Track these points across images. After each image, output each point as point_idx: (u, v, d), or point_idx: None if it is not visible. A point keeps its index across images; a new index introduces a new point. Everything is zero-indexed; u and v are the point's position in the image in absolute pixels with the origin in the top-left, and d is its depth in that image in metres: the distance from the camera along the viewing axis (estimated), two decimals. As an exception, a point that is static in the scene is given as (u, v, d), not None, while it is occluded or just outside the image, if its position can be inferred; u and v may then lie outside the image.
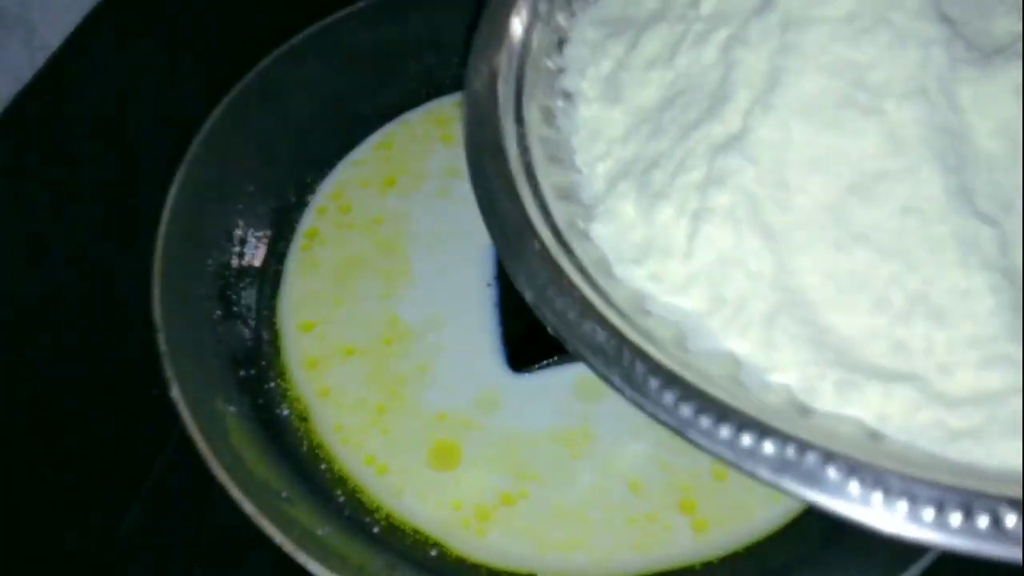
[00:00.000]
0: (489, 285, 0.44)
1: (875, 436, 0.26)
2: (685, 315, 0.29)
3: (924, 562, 0.31)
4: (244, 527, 0.32)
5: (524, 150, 0.33)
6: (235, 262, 0.44)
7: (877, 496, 0.23)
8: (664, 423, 0.26)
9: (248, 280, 0.44)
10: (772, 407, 0.26)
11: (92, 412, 0.42)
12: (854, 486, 0.24)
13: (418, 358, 0.42)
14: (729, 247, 0.29)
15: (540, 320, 0.29)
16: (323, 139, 0.49)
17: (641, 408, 0.26)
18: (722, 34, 0.32)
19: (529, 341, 0.42)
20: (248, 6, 0.59)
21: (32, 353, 0.44)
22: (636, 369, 0.26)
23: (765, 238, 0.29)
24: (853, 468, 0.24)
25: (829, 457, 0.24)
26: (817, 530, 0.37)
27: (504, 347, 0.42)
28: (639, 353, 0.26)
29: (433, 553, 0.37)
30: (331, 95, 0.49)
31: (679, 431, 0.26)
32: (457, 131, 0.49)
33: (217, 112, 0.43)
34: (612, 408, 0.40)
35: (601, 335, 0.27)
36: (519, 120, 0.34)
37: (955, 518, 0.23)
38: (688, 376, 0.26)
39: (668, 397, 0.26)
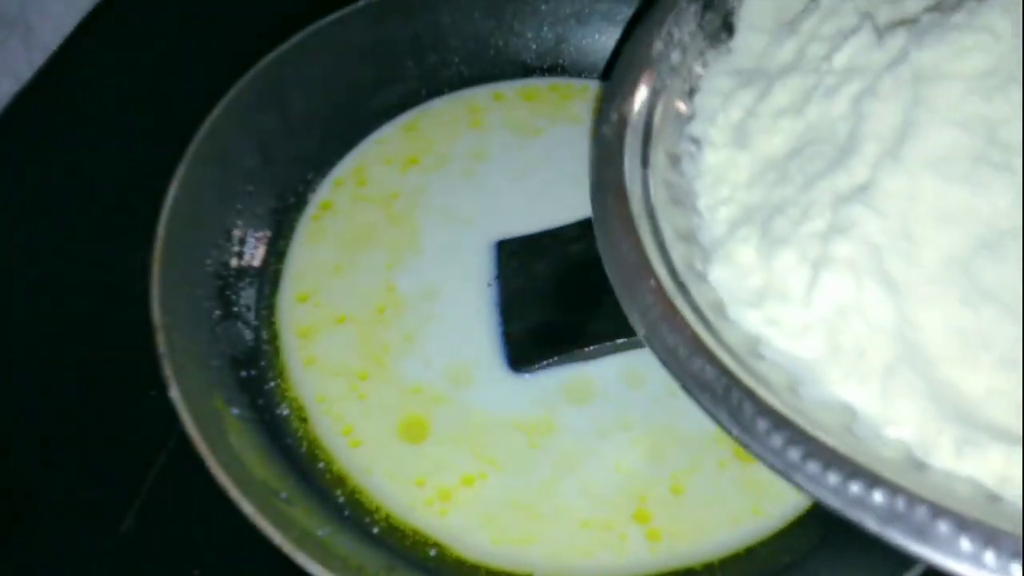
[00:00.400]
0: (489, 285, 0.44)
1: (993, 498, 0.25)
2: (800, 361, 0.29)
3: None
4: (243, 528, 0.32)
5: (647, 192, 0.34)
6: (234, 262, 0.44)
7: (990, 555, 0.23)
8: (771, 465, 0.26)
9: (248, 280, 0.44)
10: (885, 458, 0.26)
11: (91, 412, 0.42)
12: (965, 542, 0.23)
13: (406, 327, 0.43)
14: (850, 296, 0.29)
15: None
16: (323, 139, 0.49)
17: (748, 448, 0.26)
18: (854, 87, 0.32)
19: (529, 341, 0.42)
20: (248, 5, 0.59)
21: (31, 353, 0.44)
22: (745, 409, 0.26)
23: (888, 289, 0.29)
24: (964, 524, 0.23)
25: (939, 511, 0.24)
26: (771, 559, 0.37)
27: (504, 347, 0.42)
28: (748, 393, 0.27)
29: (432, 553, 0.37)
30: (331, 95, 0.49)
31: (785, 475, 0.25)
32: (490, 119, 0.51)
33: (216, 112, 0.43)
34: (585, 410, 0.40)
35: (710, 373, 0.27)
36: (645, 163, 0.35)
37: None
38: (798, 419, 0.26)
39: (776, 440, 0.26)
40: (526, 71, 0.53)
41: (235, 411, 0.38)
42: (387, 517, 0.37)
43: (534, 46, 0.53)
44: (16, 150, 0.52)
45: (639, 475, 0.38)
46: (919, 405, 0.27)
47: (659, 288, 0.30)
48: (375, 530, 0.37)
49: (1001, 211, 0.28)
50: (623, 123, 0.36)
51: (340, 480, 0.39)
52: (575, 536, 0.37)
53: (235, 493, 0.33)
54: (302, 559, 0.31)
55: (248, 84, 0.45)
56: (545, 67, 0.53)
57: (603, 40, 0.53)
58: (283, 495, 0.36)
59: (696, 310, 0.30)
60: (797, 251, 0.30)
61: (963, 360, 0.27)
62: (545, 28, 0.53)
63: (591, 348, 0.41)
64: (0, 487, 0.40)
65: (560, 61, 0.53)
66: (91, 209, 0.49)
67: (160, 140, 0.43)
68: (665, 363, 0.29)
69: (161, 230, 0.39)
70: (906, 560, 0.31)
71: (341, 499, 0.38)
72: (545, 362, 0.41)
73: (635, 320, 0.31)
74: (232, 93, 0.44)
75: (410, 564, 0.36)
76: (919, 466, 0.26)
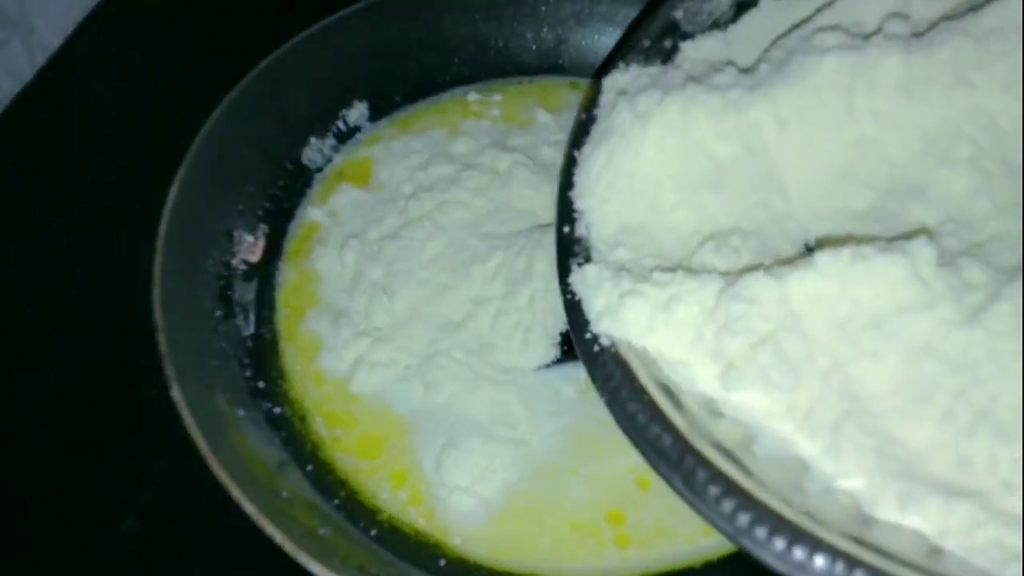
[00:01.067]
0: None
1: (935, 552, 0.26)
2: (755, 417, 0.30)
3: None
4: (245, 527, 0.32)
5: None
6: (235, 262, 0.44)
7: None
8: (721, 529, 0.27)
9: (249, 280, 0.44)
10: (830, 518, 0.26)
11: (92, 412, 0.42)
12: None
13: None
14: (799, 360, 0.29)
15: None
16: (323, 138, 0.49)
17: (701, 514, 0.27)
18: None
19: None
20: (248, 5, 0.59)
21: (32, 353, 0.44)
22: (698, 476, 0.28)
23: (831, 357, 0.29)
24: None
25: (877, 575, 0.25)
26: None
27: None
28: (701, 460, 0.28)
29: (432, 552, 0.37)
30: (331, 95, 0.49)
31: (734, 538, 0.27)
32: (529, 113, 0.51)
33: (217, 112, 0.43)
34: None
35: (666, 440, 0.29)
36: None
37: None
38: (748, 485, 0.27)
39: (726, 505, 0.27)
40: (527, 72, 0.53)
41: (236, 411, 0.38)
42: (389, 517, 0.38)
43: (534, 47, 0.53)
44: (17, 150, 0.52)
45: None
46: (865, 460, 0.28)
47: (618, 354, 0.31)
48: (376, 530, 0.37)
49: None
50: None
51: (341, 480, 0.39)
52: (565, 537, 0.37)
53: (236, 493, 0.33)
54: (303, 558, 0.31)
55: (249, 84, 0.45)
56: (546, 68, 0.53)
57: (603, 41, 0.53)
58: (284, 494, 0.36)
59: (654, 372, 0.31)
60: (744, 339, 0.30)
61: (907, 413, 0.28)
62: (545, 29, 0.53)
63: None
64: (2, 487, 0.40)
65: (560, 62, 0.53)
66: (92, 209, 0.49)
67: (161, 140, 0.43)
68: (624, 429, 0.30)
69: (162, 230, 0.39)
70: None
71: (342, 498, 0.38)
72: (549, 363, 0.41)
73: (598, 387, 0.31)
74: (233, 93, 0.44)
75: (411, 563, 0.36)
76: (867, 520, 0.27)
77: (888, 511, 0.27)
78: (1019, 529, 0.25)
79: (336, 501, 0.38)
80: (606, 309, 0.32)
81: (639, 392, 0.30)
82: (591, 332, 0.32)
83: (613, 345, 0.31)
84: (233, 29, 0.58)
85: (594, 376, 0.32)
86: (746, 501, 0.27)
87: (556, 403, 0.40)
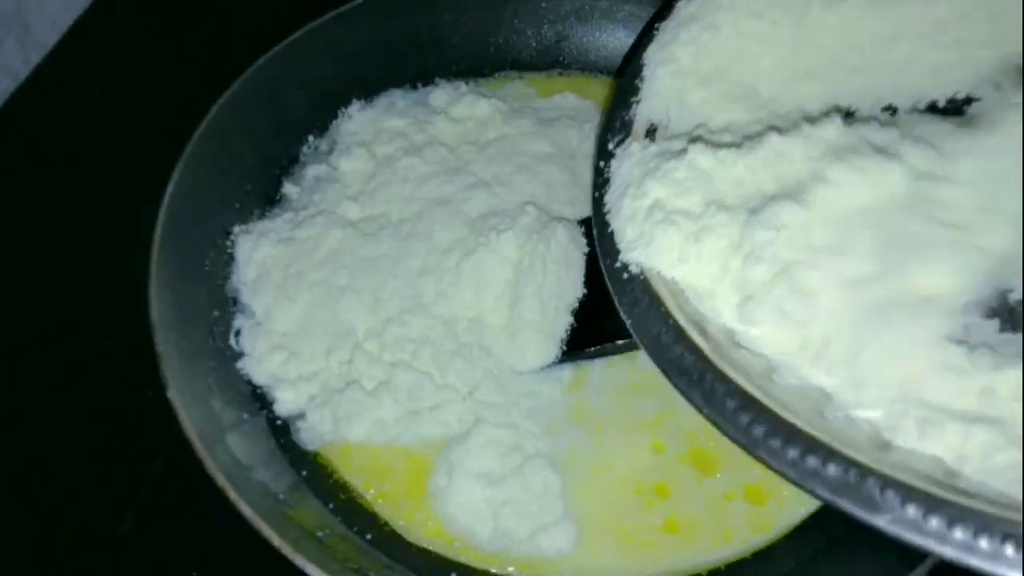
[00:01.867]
0: None
1: (952, 474, 0.26)
2: (773, 352, 0.30)
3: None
4: (242, 529, 0.32)
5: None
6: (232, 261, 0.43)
7: (935, 521, 0.24)
8: (737, 441, 0.28)
9: (246, 279, 0.44)
10: (850, 438, 0.27)
11: (89, 413, 0.42)
12: (911, 510, 0.25)
13: None
14: (815, 291, 0.30)
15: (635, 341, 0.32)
16: (321, 137, 0.49)
17: (718, 427, 0.28)
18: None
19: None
20: (245, 4, 0.59)
21: (28, 354, 0.44)
22: (716, 390, 0.29)
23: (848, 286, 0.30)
24: (910, 494, 0.25)
25: (888, 483, 0.25)
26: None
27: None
28: (720, 376, 0.29)
29: (431, 555, 0.36)
30: (329, 93, 0.49)
31: (750, 449, 0.27)
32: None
33: (214, 110, 0.43)
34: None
35: (688, 359, 0.30)
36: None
37: (1009, 549, 0.24)
38: (764, 400, 0.28)
39: (743, 418, 0.28)
40: (527, 68, 0.53)
41: (234, 412, 0.38)
42: (386, 522, 0.37)
43: (534, 43, 0.53)
44: (13, 148, 0.52)
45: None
46: (886, 390, 0.28)
47: (645, 280, 0.32)
48: (374, 532, 0.37)
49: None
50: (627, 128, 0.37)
51: (340, 484, 0.38)
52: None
53: (233, 494, 0.32)
54: (300, 560, 0.31)
55: (245, 83, 0.45)
56: (546, 64, 0.53)
57: (604, 38, 0.53)
58: (281, 496, 0.35)
59: (681, 305, 0.31)
60: (770, 268, 0.31)
61: None
62: (546, 26, 0.53)
63: (592, 349, 0.40)
64: (1, 488, 0.40)
65: (561, 58, 0.53)
66: (88, 208, 0.49)
67: (157, 139, 0.43)
68: (648, 349, 0.31)
69: (158, 229, 0.39)
70: (910, 562, 0.32)
71: (340, 501, 0.38)
72: (550, 364, 0.41)
73: (624, 311, 0.32)
74: (230, 91, 0.44)
75: (408, 566, 0.36)
76: (884, 446, 0.27)
77: (907, 437, 0.27)
78: None
79: (334, 503, 0.37)
80: (638, 238, 0.33)
81: (664, 315, 0.31)
82: (621, 261, 0.33)
83: (643, 273, 0.32)
84: (229, 27, 0.57)
85: (621, 301, 0.33)
86: (762, 413, 0.27)
87: (529, 406, 0.40)
